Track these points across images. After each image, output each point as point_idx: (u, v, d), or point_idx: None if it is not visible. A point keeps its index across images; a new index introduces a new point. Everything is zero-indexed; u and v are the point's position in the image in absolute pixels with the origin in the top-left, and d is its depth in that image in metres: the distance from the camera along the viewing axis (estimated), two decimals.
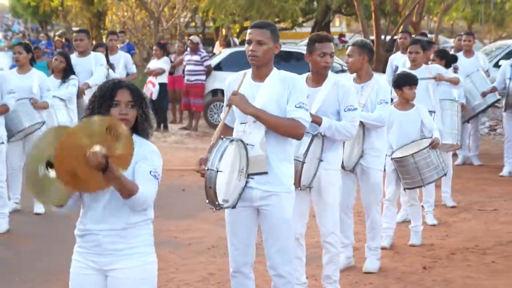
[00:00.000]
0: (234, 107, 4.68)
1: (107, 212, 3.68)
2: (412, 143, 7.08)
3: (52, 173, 3.52)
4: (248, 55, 4.66)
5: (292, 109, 4.58)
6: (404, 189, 7.21)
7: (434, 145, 7.00)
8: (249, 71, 4.78)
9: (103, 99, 3.70)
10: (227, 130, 4.79)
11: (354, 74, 6.39)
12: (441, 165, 7.11)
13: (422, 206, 8.12)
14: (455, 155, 11.31)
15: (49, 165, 3.54)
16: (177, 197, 9.28)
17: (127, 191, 3.53)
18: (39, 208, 8.60)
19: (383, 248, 6.99)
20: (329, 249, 5.64)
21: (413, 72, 7.71)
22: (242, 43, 24.57)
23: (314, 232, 6.53)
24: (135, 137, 3.70)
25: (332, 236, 5.61)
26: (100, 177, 3.40)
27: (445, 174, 7.48)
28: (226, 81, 4.88)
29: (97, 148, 3.35)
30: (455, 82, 8.63)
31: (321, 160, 5.34)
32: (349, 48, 6.43)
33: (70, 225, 8.00)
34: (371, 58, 6.42)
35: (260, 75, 4.70)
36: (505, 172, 10.83)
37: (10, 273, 6.68)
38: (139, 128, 3.78)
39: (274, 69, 4.72)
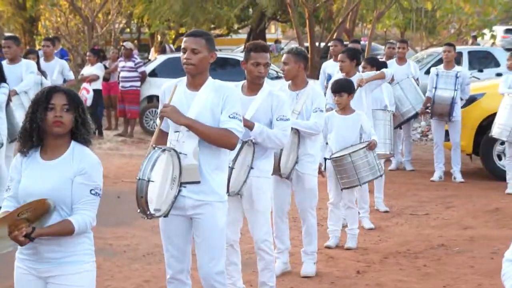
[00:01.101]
0: None
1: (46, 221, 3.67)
2: (350, 147, 7.21)
3: None
4: (183, 63, 4.65)
5: (225, 119, 4.59)
6: (341, 189, 7.32)
7: (371, 146, 7.17)
8: (182, 81, 4.77)
9: (39, 103, 3.68)
10: (163, 136, 4.77)
11: (290, 81, 6.45)
12: (377, 166, 7.31)
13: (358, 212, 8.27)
14: (388, 161, 11.51)
15: None
16: (112, 204, 9.19)
17: (64, 235, 3.64)
18: None
19: (328, 248, 7.17)
20: (263, 256, 5.67)
21: None
22: (177, 49, 24.51)
23: (249, 238, 6.56)
24: (74, 146, 3.74)
25: (266, 243, 5.64)
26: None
27: (381, 175, 7.64)
28: (161, 87, 4.86)
29: (15, 232, 3.50)
30: (381, 77, 8.47)
31: (251, 168, 5.36)
32: (285, 55, 6.46)
33: None
34: (306, 65, 6.49)
35: (195, 84, 4.69)
36: (435, 177, 11.02)
37: None
38: (78, 133, 3.76)
39: (209, 78, 4.72)
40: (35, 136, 3.71)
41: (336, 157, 7.15)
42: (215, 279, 4.74)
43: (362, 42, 18.69)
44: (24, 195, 3.68)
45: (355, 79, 8.14)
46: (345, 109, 7.25)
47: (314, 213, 6.66)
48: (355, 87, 7.87)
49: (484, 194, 9.66)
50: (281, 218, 6.50)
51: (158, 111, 4.77)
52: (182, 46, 4.68)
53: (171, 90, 4.71)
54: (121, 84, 15.70)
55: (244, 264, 5.95)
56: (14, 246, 3.65)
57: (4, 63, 9.88)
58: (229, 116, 4.60)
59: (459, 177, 10.89)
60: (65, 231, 3.62)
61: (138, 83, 15.70)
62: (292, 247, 6.85)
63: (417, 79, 11.74)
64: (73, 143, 3.76)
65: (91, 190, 3.69)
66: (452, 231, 8.23)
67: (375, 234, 8.08)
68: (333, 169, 7.26)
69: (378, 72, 8.68)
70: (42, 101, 3.69)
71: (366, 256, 7.26)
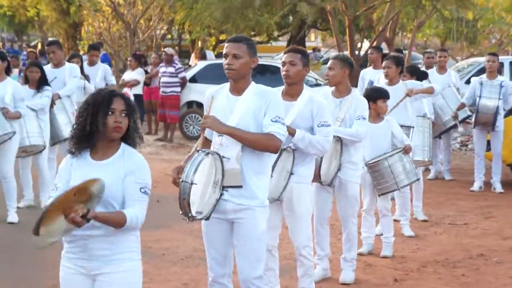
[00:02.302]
0: None
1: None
2: (384, 154, 7.19)
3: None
4: (225, 68, 4.67)
5: (268, 123, 4.60)
6: (379, 195, 7.29)
7: (406, 149, 7.16)
8: (225, 87, 4.79)
9: (100, 106, 3.75)
10: (207, 143, 4.79)
11: (333, 88, 6.43)
12: (413, 171, 7.27)
13: (397, 220, 8.25)
14: (427, 170, 11.43)
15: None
16: (152, 208, 9.16)
17: (116, 225, 3.67)
18: (13, 217, 8.59)
19: (361, 255, 7.14)
20: (303, 262, 5.67)
21: (390, 87, 7.86)
22: (218, 56, 24.63)
23: (287, 243, 6.56)
24: (125, 148, 3.83)
25: (306, 249, 5.63)
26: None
27: (418, 179, 7.62)
28: (206, 93, 4.87)
29: (72, 214, 3.50)
30: (430, 92, 8.75)
31: (291, 174, 5.35)
32: (331, 61, 6.44)
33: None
34: (351, 72, 6.45)
35: (237, 89, 4.71)
36: (475, 187, 10.94)
37: None
38: (129, 137, 3.85)
39: (252, 83, 4.73)
40: (93, 138, 3.79)
41: (372, 163, 7.12)
42: (254, 284, 4.75)
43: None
44: None
45: (398, 86, 8.15)
46: (376, 117, 7.22)
47: (355, 221, 6.64)
48: (404, 96, 7.92)
49: None
50: (322, 224, 6.50)
51: (204, 113, 4.79)
52: (224, 51, 4.70)
53: (215, 97, 4.73)
54: (161, 89, 15.82)
55: (282, 269, 5.95)
56: (63, 234, 3.68)
57: (48, 67, 10.01)
58: (271, 120, 4.61)
59: (499, 188, 10.80)
60: (118, 219, 3.66)
61: (179, 89, 15.80)
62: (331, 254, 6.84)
63: (458, 88, 11.67)
64: (123, 145, 3.84)
65: (141, 189, 3.76)
66: (492, 241, 8.15)
67: (413, 243, 8.04)
68: (369, 176, 7.23)
69: (428, 86, 8.89)
70: (104, 105, 3.75)
71: (404, 265, 7.22)
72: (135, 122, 3.85)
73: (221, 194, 4.58)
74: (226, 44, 4.73)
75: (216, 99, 4.74)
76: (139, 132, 3.93)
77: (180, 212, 4.46)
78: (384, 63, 8.39)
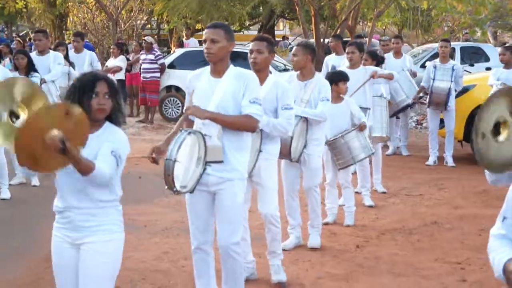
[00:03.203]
0: (194, 99, 4.69)
1: (80, 193, 3.72)
2: (343, 132, 7.22)
3: (16, 123, 3.51)
4: (204, 53, 4.68)
5: (246, 104, 4.62)
6: (339, 169, 7.33)
7: (361, 127, 7.20)
8: (206, 70, 4.79)
9: (84, 89, 3.72)
10: (190, 123, 4.81)
11: (298, 72, 6.44)
12: (369, 145, 7.32)
13: (359, 192, 8.31)
14: (386, 146, 11.51)
15: (13, 114, 3.54)
16: (134, 184, 9.23)
17: (84, 168, 3.53)
18: (5, 193, 8.53)
19: (327, 224, 7.23)
20: (271, 229, 5.70)
21: (352, 71, 7.89)
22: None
23: (257, 215, 6.60)
24: (108, 125, 3.79)
25: (274, 217, 5.66)
26: (57, 158, 3.38)
27: (373, 153, 7.68)
28: (187, 77, 4.88)
29: (54, 132, 3.32)
30: (390, 78, 8.89)
31: (260, 151, 5.37)
32: (294, 48, 6.48)
33: (36, 209, 7.98)
34: (314, 57, 6.46)
35: (217, 71, 4.72)
36: (430, 161, 11.03)
37: None
38: (113, 117, 3.82)
39: (231, 66, 4.74)
40: None
41: (331, 140, 7.15)
42: (232, 249, 4.79)
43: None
44: None
45: (359, 70, 8.18)
46: (337, 98, 7.21)
47: (318, 190, 6.68)
48: (368, 78, 8.08)
49: (473, 178, 9.64)
50: (292, 197, 6.54)
51: (186, 97, 4.83)
52: (203, 37, 4.70)
53: (197, 79, 4.76)
54: (142, 75, 15.77)
55: (253, 238, 5.97)
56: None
57: (34, 54, 9.94)
58: (249, 101, 4.62)
59: (450, 162, 10.88)
60: (87, 164, 3.53)
61: (158, 74, 15.75)
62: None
63: (415, 72, 11.74)
64: (106, 123, 3.81)
65: (112, 152, 3.69)
66: (444, 210, 8.24)
67: (373, 212, 8.10)
68: (330, 152, 7.26)
69: (389, 72, 9.08)
70: (88, 88, 3.72)
71: (365, 232, 7.29)
72: (118, 103, 3.82)
73: (204, 169, 4.58)
74: (205, 30, 4.73)
75: (198, 82, 4.75)
76: (123, 112, 3.91)
77: (166, 187, 4.45)
78: (348, 49, 8.40)
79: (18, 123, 3.77)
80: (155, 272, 6.01)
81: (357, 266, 6.25)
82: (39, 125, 3.33)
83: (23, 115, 3.98)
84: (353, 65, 8.25)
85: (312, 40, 19.13)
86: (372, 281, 5.89)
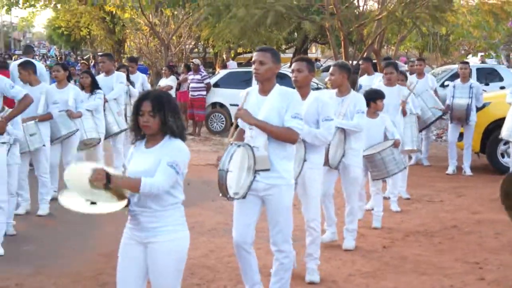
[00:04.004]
0: None
1: (145, 198, 3.76)
2: (378, 144, 7.15)
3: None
4: (253, 73, 4.73)
5: (288, 119, 4.61)
6: (373, 179, 7.24)
7: (396, 144, 7.10)
8: (255, 88, 4.81)
9: (135, 110, 3.80)
10: (240, 130, 4.86)
11: (336, 90, 6.40)
12: (402, 160, 7.22)
13: (387, 198, 8.22)
14: (409, 157, 11.36)
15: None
16: (184, 190, 9.22)
17: (131, 189, 3.66)
18: None
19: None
20: (311, 233, 5.65)
21: (388, 89, 7.85)
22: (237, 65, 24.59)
23: (296, 219, 6.54)
24: (167, 139, 3.81)
25: (315, 222, 5.60)
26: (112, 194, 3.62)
27: (405, 168, 7.58)
28: (241, 93, 4.89)
29: (99, 168, 3.57)
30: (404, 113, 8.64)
31: (305, 160, 5.33)
32: (331, 68, 6.42)
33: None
34: (349, 75, 6.41)
35: (264, 90, 4.73)
36: (449, 170, 10.88)
37: (45, 249, 6.69)
38: (169, 129, 3.80)
39: (277, 85, 4.74)
40: (141, 131, 3.84)
41: (368, 155, 7.06)
42: (283, 246, 4.80)
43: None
44: (131, 175, 3.79)
45: (394, 88, 8.14)
46: (373, 113, 7.16)
47: (356, 198, 6.61)
48: (409, 94, 8.34)
49: (489, 186, 9.47)
50: (328, 200, 6.51)
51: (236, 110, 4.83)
52: (253, 59, 4.74)
53: (248, 95, 4.79)
54: (190, 93, 15.88)
55: (293, 239, 5.91)
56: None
57: (101, 75, 10.10)
58: (291, 116, 4.61)
59: (468, 171, 10.71)
60: (132, 183, 3.65)
61: (204, 92, 15.86)
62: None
63: (435, 90, 11.59)
64: (167, 137, 3.82)
65: (167, 162, 3.72)
66: (463, 215, 8.10)
67: (398, 216, 8.00)
68: (364, 163, 7.16)
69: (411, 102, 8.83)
70: (136, 107, 3.79)
71: (391, 234, 7.19)
72: (169, 117, 3.76)
73: (254, 177, 4.59)
74: (255, 53, 4.77)
75: (249, 97, 4.78)
76: (174, 125, 3.80)
77: (220, 194, 4.46)
78: (387, 69, 8.32)
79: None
80: (202, 268, 6.00)
81: (384, 265, 6.16)
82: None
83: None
84: (391, 83, 8.18)
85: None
86: (398, 279, 5.80)
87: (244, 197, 4.59)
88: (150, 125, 3.76)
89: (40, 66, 9.73)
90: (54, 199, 8.45)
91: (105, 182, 3.54)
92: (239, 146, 4.51)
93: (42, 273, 5.88)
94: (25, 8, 30.36)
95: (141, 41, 25.84)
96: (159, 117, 3.75)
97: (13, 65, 10.35)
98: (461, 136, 10.86)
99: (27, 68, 7.92)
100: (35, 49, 45.36)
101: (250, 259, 4.89)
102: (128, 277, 3.87)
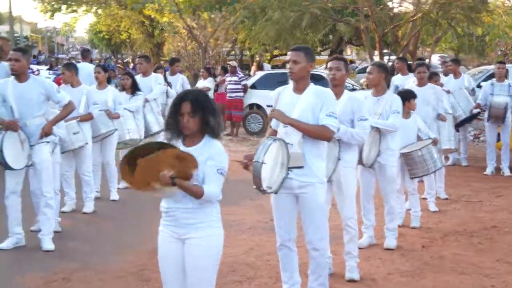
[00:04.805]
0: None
1: (182, 194, 3.75)
2: (413, 144, 7.06)
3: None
4: (288, 72, 4.71)
5: (323, 117, 4.58)
6: (411, 178, 7.15)
7: (435, 141, 7.07)
8: (289, 87, 4.78)
9: (174, 109, 3.78)
10: (274, 133, 4.82)
11: (372, 89, 6.32)
12: (439, 159, 7.13)
13: (425, 198, 8.10)
14: (446, 158, 11.20)
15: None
16: (223, 188, 9.23)
17: (193, 195, 3.70)
18: (114, 195, 8.69)
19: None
20: (349, 231, 5.58)
21: (420, 89, 7.78)
22: (273, 67, 24.58)
23: (332, 217, 6.49)
24: (207, 139, 3.81)
25: (352, 220, 5.54)
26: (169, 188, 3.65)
27: (442, 167, 7.49)
28: (273, 92, 4.89)
29: (165, 172, 3.57)
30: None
31: (339, 159, 5.27)
32: (370, 67, 6.37)
33: (140, 209, 8.11)
34: (387, 76, 6.34)
35: (299, 88, 4.71)
36: (488, 171, 10.69)
37: (90, 245, 6.75)
38: (209, 129, 3.79)
39: (311, 84, 4.71)
40: (179, 130, 3.82)
41: (407, 152, 6.96)
42: (318, 244, 4.75)
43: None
44: None
45: (426, 87, 8.07)
46: (406, 113, 7.05)
47: (394, 197, 6.51)
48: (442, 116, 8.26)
49: None
50: (367, 200, 6.43)
51: (270, 110, 4.80)
52: (288, 58, 4.71)
53: (281, 93, 4.76)
54: (228, 94, 15.88)
55: (330, 237, 5.86)
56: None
57: (138, 76, 10.13)
58: (326, 115, 4.58)
59: (507, 172, 10.51)
60: (196, 191, 3.69)
61: (242, 94, 15.84)
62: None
63: (473, 89, 11.40)
64: (206, 136, 3.82)
65: (217, 170, 3.75)
66: (502, 215, 7.93)
67: (436, 216, 7.87)
68: (402, 161, 7.07)
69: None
70: (175, 108, 3.77)
71: (430, 234, 7.07)
72: (209, 118, 3.76)
73: (287, 174, 4.54)
74: (289, 52, 4.75)
75: (282, 96, 4.75)
76: (215, 125, 3.79)
77: (254, 187, 4.42)
78: (420, 69, 8.29)
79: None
80: (243, 265, 5.99)
81: (423, 264, 6.06)
82: (156, 168, 3.58)
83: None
84: (423, 83, 8.11)
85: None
86: (437, 278, 5.69)
87: (276, 192, 4.56)
88: (190, 126, 3.76)
89: (92, 68, 9.83)
90: (96, 198, 8.57)
91: (170, 182, 3.59)
92: (275, 140, 4.48)
93: (88, 268, 5.93)
94: (67, 14, 30.91)
95: (179, 44, 26.01)
96: (198, 117, 3.75)
97: (90, 67, 10.40)
98: (498, 136, 10.67)
99: (71, 69, 8.01)
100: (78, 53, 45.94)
101: (292, 257, 4.86)
102: (169, 274, 3.89)
